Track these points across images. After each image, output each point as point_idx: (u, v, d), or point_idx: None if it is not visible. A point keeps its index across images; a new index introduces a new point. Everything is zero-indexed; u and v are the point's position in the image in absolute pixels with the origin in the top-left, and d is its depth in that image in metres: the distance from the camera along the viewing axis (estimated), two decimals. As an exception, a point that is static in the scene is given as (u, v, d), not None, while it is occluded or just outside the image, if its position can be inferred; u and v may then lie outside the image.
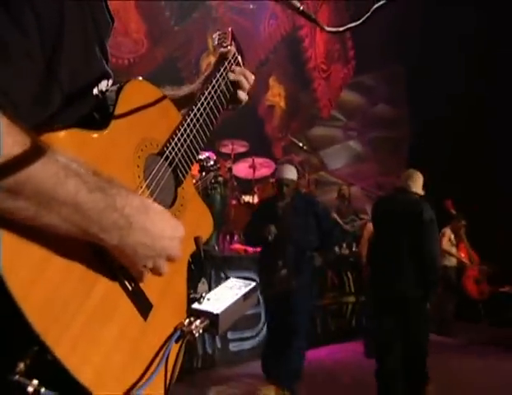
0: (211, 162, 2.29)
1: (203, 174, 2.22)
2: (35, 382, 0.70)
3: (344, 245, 7.90)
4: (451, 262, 8.36)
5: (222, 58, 1.38)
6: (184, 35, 8.06)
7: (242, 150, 7.51)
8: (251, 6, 9.37)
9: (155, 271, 0.89)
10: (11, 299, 0.69)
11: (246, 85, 1.37)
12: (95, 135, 0.91)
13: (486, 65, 9.51)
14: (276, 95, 10.24)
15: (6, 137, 0.68)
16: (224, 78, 1.31)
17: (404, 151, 11.21)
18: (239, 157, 7.53)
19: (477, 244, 8.65)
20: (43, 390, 0.71)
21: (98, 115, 0.97)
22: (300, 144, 8.25)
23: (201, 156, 2.25)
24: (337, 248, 7.88)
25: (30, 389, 0.70)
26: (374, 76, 11.21)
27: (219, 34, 1.48)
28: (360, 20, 0.80)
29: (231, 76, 1.33)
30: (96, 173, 0.78)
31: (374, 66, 10.77)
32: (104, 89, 1.00)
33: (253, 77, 1.41)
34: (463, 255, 8.49)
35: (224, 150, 7.38)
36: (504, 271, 8.54)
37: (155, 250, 0.85)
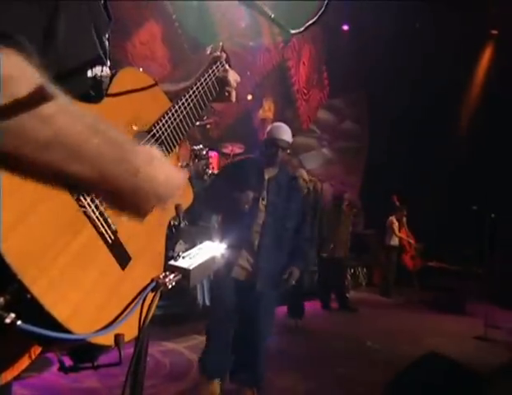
0: (204, 152, 2.17)
1: (196, 160, 2.09)
2: (12, 315, 0.59)
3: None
4: (395, 242, 8.36)
5: (214, 60, 1.27)
6: (198, 62, 7.88)
7: (239, 151, 7.39)
8: (250, 43, 9.27)
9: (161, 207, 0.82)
10: None
11: (232, 83, 1.25)
12: (88, 107, 0.80)
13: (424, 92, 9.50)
14: (267, 110, 10.10)
15: (44, 94, 0.59)
16: (213, 75, 1.20)
17: (363, 157, 11.27)
18: (236, 156, 7.41)
19: (413, 229, 8.71)
20: (19, 322, 0.59)
21: (93, 93, 0.85)
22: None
23: (195, 147, 2.13)
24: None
25: (8, 321, 0.59)
26: (342, 99, 11.21)
27: (212, 47, 1.38)
28: (315, 18, 0.68)
29: (219, 74, 1.22)
30: (115, 129, 0.72)
31: (343, 91, 10.76)
32: (99, 74, 0.88)
33: (238, 78, 1.29)
34: (404, 237, 8.51)
35: (225, 150, 7.26)
36: (431, 249, 8.65)
37: (157, 193, 0.76)
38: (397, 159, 9.90)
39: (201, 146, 2.07)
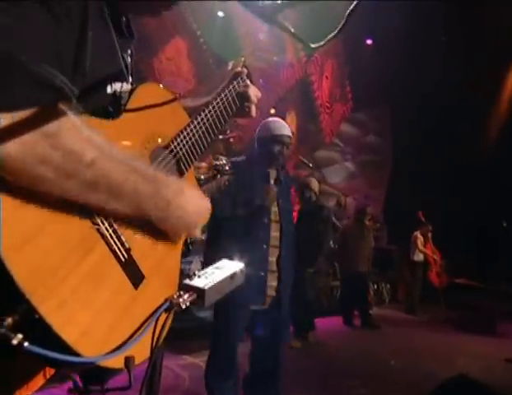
0: (227, 168, 2.14)
1: (218, 176, 2.07)
2: (20, 336, 0.57)
3: (331, 241, 7.72)
4: (420, 258, 8.15)
5: (235, 75, 1.26)
6: (221, 76, 7.98)
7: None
8: (274, 58, 9.33)
9: (190, 236, 0.90)
10: (0, 260, 0.56)
11: (252, 98, 1.23)
12: (106, 123, 0.78)
13: (450, 106, 9.31)
14: (291, 124, 10.10)
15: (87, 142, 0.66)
16: (233, 90, 1.18)
17: (387, 171, 11.11)
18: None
19: (439, 245, 8.48)
20: (26, 344, 0.57)
21: (112, 109, 0.84)
22: (307, 162, 8.12)
23: (217, 162, 2.10)
24: (332, 243, 7.72)
25: (14, 342, 0.57)
26: (366, 113, 11.12)
27: (233, 62, 1.36)
28: (335, 32, 0.65)
29: (240, 89, 1.20)
30: (148, 166, 0.80)
31: (367, 105, 10.67)
32: (118, 90, 0.87)
33: (259, 94, 1.27)
34: (429, 253, 8.28)
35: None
36: (458, 266, 8.38)
37: (186, 223, 0.83)
38: (421, 173, 9.69)
39: (223, 161, 2.04)
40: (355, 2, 0.84)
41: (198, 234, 0.89)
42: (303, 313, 4.88)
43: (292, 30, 1.02)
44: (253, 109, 1.23)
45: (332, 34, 0.91)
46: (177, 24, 7.52)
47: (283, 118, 10.19)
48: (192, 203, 0.83)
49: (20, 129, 0.59)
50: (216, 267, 0.94)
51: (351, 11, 0.83)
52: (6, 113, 0.59)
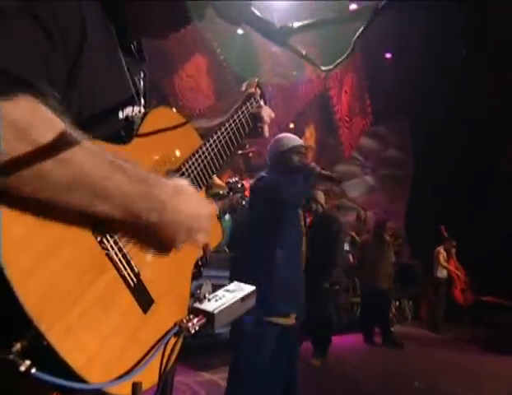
0: (239, 185, 2.14)
1: (231, 193, 2.06)
2: (28, 362, 0.58)
3: (351, 256, 7.60)
4: (443, 274, 7.93)
5: (248, 96, 1.26)
6: (241, 93, 8.05)
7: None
8: (293, 74, 9.38)
9: (192, 243, 0.82)
10: (9, 285, 0.57)
11: (265, 118, 1.22)
12: (118, 148, 0.80)
13: (471, 119, 9.12)
14: (310, 138, 10.10)
15: (63, 138, 0.62)
16: (246, 112, 1.18)
17: (407, 185, 10.93)
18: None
19: (464, 261, 8.24)
20: (33, 370, 0.58)
21: (124, 133, 0.85)
22: (331, 175, 8.07)
23: (230, 180, 2.11)
24: (351, 258, 7.62)
25: (22, 368, 0.57)
26: (386, 127, 11.03)
27: (247, 83, 1.37)
28: (344, 56, 0.65)
29: (253, 110, 1.20)
30: (137, 166, 0.72)
31: (386, 119, 10.59)
32: (130, 114, 0.89)
33: (272, 114, 1.26)
34: (452, 269, 8.05)
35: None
36: (484, 283, 8.10)
37: (185, 226, 0.77)
38: (443, 186, 9.50)
39: (236, 178, 2.04)
40: (361, 28, 0.84)
41: (202, 239, 0.82)
42: (321, 329, 4.80)
43: (304, 53, 1.03)
44: (266, 129, 1.23)
45: (341, 59, 0.91)
46: (197, 41, 7.68)
47: (302, 132, 10.13)
48: (191, 205, 0.78)
49: None
50: (227, 290, 0.93)
51: (358, 37, 0.83)
52: None
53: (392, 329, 6.73)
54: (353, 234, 8.03)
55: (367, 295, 6.59)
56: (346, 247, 8.17)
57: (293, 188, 2.33)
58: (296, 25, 0.81)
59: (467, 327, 7.91)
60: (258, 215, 2.39)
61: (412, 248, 9.14)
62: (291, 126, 9.70)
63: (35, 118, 0.61)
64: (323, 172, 2.40)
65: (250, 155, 7.42)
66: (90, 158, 0.65)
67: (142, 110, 0.95)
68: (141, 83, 0.98)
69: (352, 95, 10.29)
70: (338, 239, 5.06)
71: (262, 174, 2.59)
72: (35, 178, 0.60)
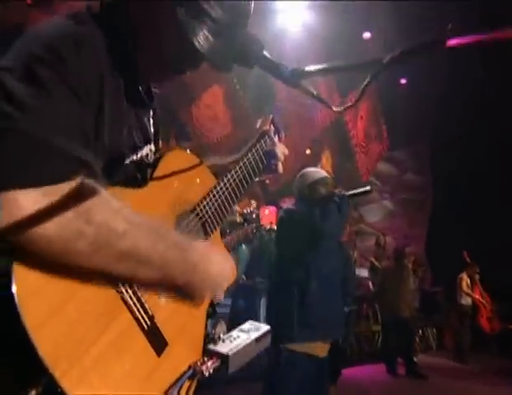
0: (254, 215, 2.15)
1: (245, 224, 2.08)
2: None
3: (371, 283, 7.45)
4: (467, 301, 7.65)
5: (262, 134, 1.28)
6: (257, 121, 8.17)
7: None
8: (308, 101, 9.51)
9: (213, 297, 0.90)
10: (26, 334, 0.59)
11: (279, 156, 1.23)
12: (134, 192, 0.82)
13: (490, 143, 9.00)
14: (326, 164, 10.11)
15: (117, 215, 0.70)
16: (261, 149, 1.19)
17: (427, 210, 10.76)
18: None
19: (489, 288, 7.96)
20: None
21: (140, 176, 0.88)
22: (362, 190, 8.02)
23: (245, 211, 2.12)
24: (371, 285, 7.47)
25: None
26: (403, 151, 10.98)
27: (262, 120, 1.38)
28: (354, 102, 0.66)
29: (266, 148, 1.21)
30: (172, 231, 0.83)
31: (403, 144, 10.55)
32: (144, 154, 0.91)
33: (286, 151, 1.26)
34: (477, 296, 7.77)
35: (283, 205, 7.27)
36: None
37: (212, 285, 0.84)
38: (465, 210, 9.30)
39: (251, 209, 2.05)
40: (369, 77, 0.86)
41: (222, 296, 0.89)
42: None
43: (315, 93, 1.06)
44: (280, 166, 1.23)
45: (350, 103, 0.93)
46: (214, 72, 7.87)
47: (318, 158, 10.13)
48: (217, 266, 0.84)
49: (54, 209, 0.63)
50: (242, 330, 0.93)
51: (366, 85, 0.84)
52: (39, 187, 0.63)
53: (415, 359, 6.49)
54: (373, 259, 7.90)
55: (388, 324, 6.41)
56: (366, 273, 8.03)
57: (333, 219, 2.35)
58: (308, 69, 0.83)
59: (495, 357, 7.58)
60: (291, 246, 2.39)
61: (434, 274, 8.90)
62: (308, 152, 9.74)
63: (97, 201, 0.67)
64: (352, 192, 2.45)
65: (267, 181, 7.46)
66: (140, 231, 0.72)
67: (153, 148, 0.97)
68: (151, 122, 1.01)
69: (368, 121, 10.31)
70: (348, 264, 4.92)
71: (290, 206, 2.65)
72: (96, 252, 0.66)
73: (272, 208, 6.43)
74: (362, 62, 0.63)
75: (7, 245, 0.62)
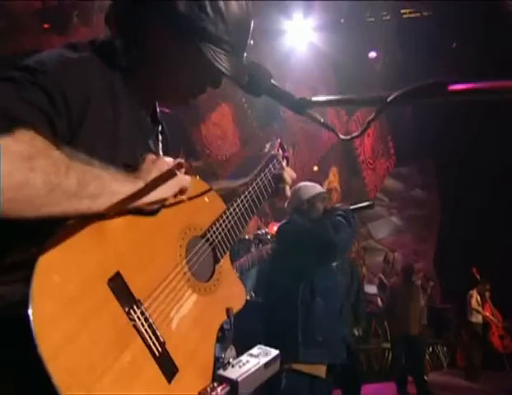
0: (269, 236, 2.13)
1: (260, 245, 2.06)
2: None
3: (380, 300, 7.35)
4: (478, 319, 7.50)
5: (271, 158, 1.29)
6: (266, 139, 8.23)
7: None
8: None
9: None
10: (41, 362, 0.60)
11: (287, 180, 1.22)
12: (146, 219, 0.83)
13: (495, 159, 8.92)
14: (334, 181, 10.12)
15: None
16: (269, 173, 1.19)
17: (434, 226, 10.66)
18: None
19: (500, 305, 7.79)
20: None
21: None
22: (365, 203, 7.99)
23: (259, 232, 2.11)
24: (380, 302, 7.38)
25: None
26: (410, 167, 10.96)
27: (270, 144, 1.39)
28: (360, 131, 0.68)
29: (275, 172, 1.21)
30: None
31: (410, 160, 10.53)
32: None
33: (294, 175, 1.26)
34: (487, 314, 7.61)
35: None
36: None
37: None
38: (473, 226, 9.17)
39: (265, 230, 2.04)
40: (373, 115, 0.87)
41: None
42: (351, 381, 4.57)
43: (322, 120, 1.08)
44: (288, 190, 1.24)
45: (356, 133, 0.93)
46: (223, 92, 7.99)
47: (326, 175, 10.10)
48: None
49: None
50: (251, 354, 0.93)
51: (372, 119, 0.85)
52: None
53: (426, 378, 6.35)
54: (381, 276, 7.80)
55: (398, 342, 6.29)
56: (375, 290, 7.93)
57: (345, 233, 2.27)
58: (314, 99, 0.85)
59: (508, 375, 7.39)
60: (295, 261, 2.30)
61: (444, 291, 8.76)
62: (315, 169, 9.77)
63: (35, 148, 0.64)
64: (355, 206, 2.42)
65: (275, 198, 7.46)
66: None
67: None
68: (160, 145, 1.02)
69: (375, 138, 10.34)
70: (356, 283, 4.82)
71: (286, 221, 2.54)
72: (51, 192, 0.64)
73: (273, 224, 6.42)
74: (368, 98, 0.65)
75: (26, 272, 0.63)
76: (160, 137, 1.03)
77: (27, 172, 0.62)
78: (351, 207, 2.40)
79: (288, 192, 1.25)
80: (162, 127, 1.05)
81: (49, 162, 0.65)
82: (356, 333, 4.59)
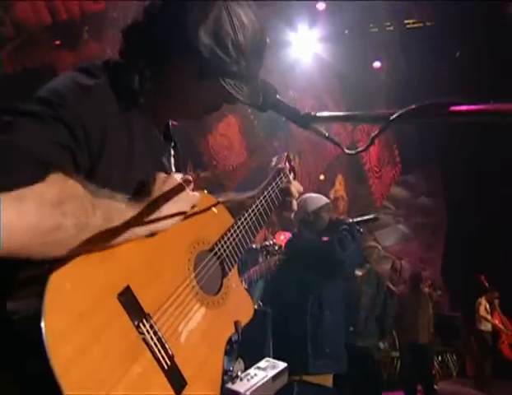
0: (276, 247, 2.12)
1: (268, 257, 2.05)
2: None
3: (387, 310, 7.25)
4: (487, 327, 7.39)
5: (278, 171, 1.29)
6: (272, 148, 8.26)
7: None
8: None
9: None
10: (52, 375, 0.60)
11: (294, 193, 1.22)
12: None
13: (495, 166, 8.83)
14: (340, 189, 10.10)
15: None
16: (276, 187, 1.19)
17: (441, 233, 10.57)
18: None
19: (509, 313, 7.67)
20: None
21: None
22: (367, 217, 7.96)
23: (267, 243, 2.11)
24: (387, 310, 7.30)
25: None
26: (416, 175, 10.91)
27: (277, 157, 1.39)
28: (365, 147, 0.68)
29: (282, 185, 1.21)
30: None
31: (416, 168, 10.49)
32: None
33: (301, 188, 1.26)
34: (497, 322, 7.49)
35: (298, 230, 7.24)
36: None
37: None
38: (480, 233, 9.07)
39: (273, 241, 2.04)
40: (377, 132, 0.87)
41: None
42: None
43: (327, 134, 1.08)
44: (295, 203, 1.22)
45: (361, 148, 0.94)
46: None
47: (332, 184, 10.06)
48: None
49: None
50: (259, 367, 0.93)
51: (376, 135, 0.86)
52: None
53: (436, 387, 6.25)
54: (389, 284, 7.73)
55: (406, 350, 6.21)
56: (382, 298, 7.86)
57: (351, 249, 2.32)
58: (319, 114, 0.86)
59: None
60: (302, 275, 2.33)
61: (452, 299, 8.65)
62: (322, 178, 9.75)
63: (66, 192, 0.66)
64: (359, 219, 2.46)
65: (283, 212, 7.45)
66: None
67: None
68: (172, 160, 1.03)
69: (381, 146, 10.32)
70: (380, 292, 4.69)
71: (295, 234, 2.63)
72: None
73: (288, 234, 6.41)
74: (371, 115, 0.66)
75: (39, 287, 0.64)
76: (172, 153, 1.04)
77: (59, 217, 0.65)
78: (356, 220, 2.44)
79: (295, 205, 1.24)
80: (174, 143, 1.06)
81: (78, 205, 0.68)
82: (382, 346, 4.44)
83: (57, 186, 0.66)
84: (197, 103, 0.95)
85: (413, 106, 0.53)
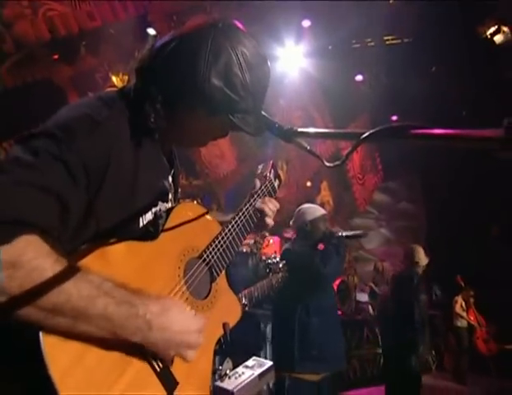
0: (280, 265, 2.09)
1: (271, 274, 2.01)
2: None
3: (370, 307, 7.32)
4: (463, 323, 7.50)
5: (261, 179, 1.26)
6: (262, 157, 8.29)
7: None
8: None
9: (181, 358, 0.79)
10: (51, 382, 0.61)
11: (269, 213, 1.19)
12: (147, 244, 0.85)
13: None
14: (326, 195, 10.18)
15: (45, 262, 0.65)
16: (252, 205, 1.16)
17: (421, 236, 10.70)
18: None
19: (484, 311, 7.78)
20: None
21: (152, 229, 0.91)
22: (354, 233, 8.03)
23: (270, 261, 2.09)
24: (371, 309, 7.36)
25: None
26: (397, 182, 11.03)
27: (263, 165, 1.39)
28: (340, 161, 0.71)
29: (257, 205, 1.17)
30: (124, 287, 0.72)
31: (397, 175, 10.62)
32: (158, 210, 0.94)
33: (277, 206, 1.22)
34: (472, 318, 7.60)
35: (286, 235, 7.24)
36: (506, 332, 7.55)
37: (174, 343, 0.76)
38: (457, 236, 9.21)
39: (276, 259, 1.98)
40: (350, 149, 0.88)
41: (191, 355, 0.80)
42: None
43: (308, 147, 1.10)
44: (269, 221, 1.19)
45: (339, 161, 0.95)
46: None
47: (318, 190, 10.06)
48: (180, 321, 0.77)
49: None
50: (246, 366, 0.94)
51: (350, 152, 0.87)
52: None
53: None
54: (372, 285, 7.82)
55: (388, 347, 6.25)
56: (366, 298, 7.91)
57: (333, 263, 2.44)
58: (300, 130, 0.89)
59: (494, 378, 7.33)
60: (293, 286, 2.37)
61: (431, 298, 8.73)
62: (308, 184, 9.80)
63: (28, 255, 0.64)
64: (348, 234, 2.61)
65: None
66: (74, 283, 0.66)
67: (170, 205, 0.99)
68: (171, 181, 1.03)
69: (363, 154, 10.44)
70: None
71: (288, 246, 2.75)
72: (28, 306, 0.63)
73: (276, 238, 6.42)
74: (346, 133, 0.69)
75: None
76: (172, 172, 1.04)
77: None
78: (345, 234, 2.58)
79: (270, 223, 1.20)
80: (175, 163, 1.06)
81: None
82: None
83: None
84: (206, 135, 0.97)
85: (380, 127, 0.56)
